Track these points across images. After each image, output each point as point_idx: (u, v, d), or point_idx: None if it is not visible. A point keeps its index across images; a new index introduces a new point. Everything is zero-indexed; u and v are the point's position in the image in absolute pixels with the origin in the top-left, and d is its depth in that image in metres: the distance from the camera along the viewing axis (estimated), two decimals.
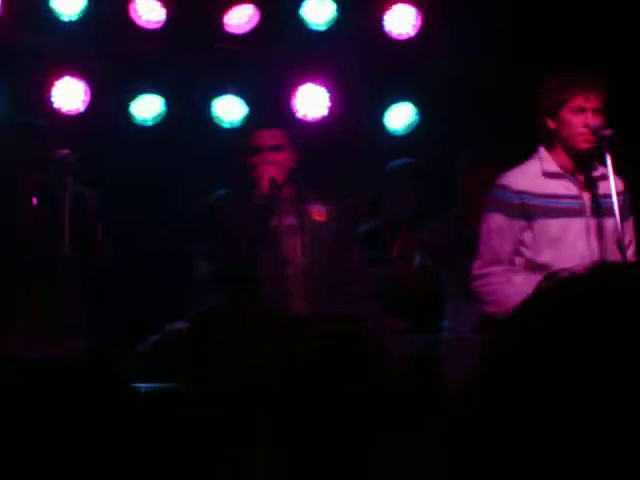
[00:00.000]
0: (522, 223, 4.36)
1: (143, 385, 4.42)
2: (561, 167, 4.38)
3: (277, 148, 4.87)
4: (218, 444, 4.30)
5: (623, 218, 4.33)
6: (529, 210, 4.36)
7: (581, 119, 4.30)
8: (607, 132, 4.28)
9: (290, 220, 4.84)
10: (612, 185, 4.28)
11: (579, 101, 4.30)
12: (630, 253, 4.38)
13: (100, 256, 4.96)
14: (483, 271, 4.38)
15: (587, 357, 1.12)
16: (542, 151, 4.42)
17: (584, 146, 4.32)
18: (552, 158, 4.39)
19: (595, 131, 4.29)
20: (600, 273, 1.19)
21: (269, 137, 4.93)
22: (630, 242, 4.42)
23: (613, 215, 4.27)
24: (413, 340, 5.11)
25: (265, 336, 4.54)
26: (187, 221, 5.53)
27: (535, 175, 4.40)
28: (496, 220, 4.39)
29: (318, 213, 4.87)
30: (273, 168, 4.81)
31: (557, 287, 1.19)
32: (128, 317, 5.45)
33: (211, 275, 5.00)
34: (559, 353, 1.13)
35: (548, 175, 4.38)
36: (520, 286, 4.25)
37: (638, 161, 4.44)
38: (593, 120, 4.28)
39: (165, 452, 2.04)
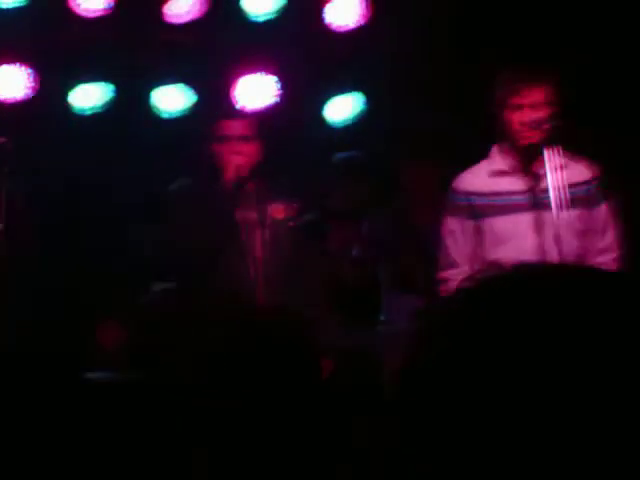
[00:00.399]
0: (473, 223, 4.39)
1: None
2: (510, 164, 4.40)
3: (245, 138, 4.82)
4: (160, 435, 4.29)
5: (592, 205, 4.36)
6: (477, 210, 4.39)
7: (518, 116, 4.33)
8: (546, 125, 4.30)
9: (250, 214, 4.81)
10: (549, 179, 4.31)
11: (515, 99, 4.33)
12: (607, 238, 4.40)
13: (27, 249, 4.94)
14: (441, 276, 4.43)
15: (492, 359, 1.14)
16: (493, 150, 4.46)
17: (523, 142, 4.34)
18: (502, 156, 4.42)
19: (535, 126, 4.31)
20: (516, 274, 1.21)
21: (237, 127, 4.88)
22: (604, 229, 4.42)
23: (573, 206, 4.30)
24: (351, 333, 5.11)
25: (209, 325, 4.54)
26: (134, 208, 5.50)
27: (484, 175, 4.44)
28: (449, 224, 4.44)
29: (277, 210, 4.85)
30: (240, 158, 4.77)
31: (472, 288, 1.22)
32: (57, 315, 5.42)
33: (159, 259, 4.99)
34: (467, 354, 1.15)
35: (495, 174, 4.42)
36: None
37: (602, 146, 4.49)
38: (530, 116, 4.30)
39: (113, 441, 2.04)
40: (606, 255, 4.37)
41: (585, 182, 4.39)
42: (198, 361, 2.66)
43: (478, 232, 4.38)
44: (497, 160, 4.41)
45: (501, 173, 4.40)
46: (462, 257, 4.39)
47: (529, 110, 4.30)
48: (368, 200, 5.62)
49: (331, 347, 4.71)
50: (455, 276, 4.37)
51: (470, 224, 4.39)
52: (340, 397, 4.77)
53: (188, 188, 4.90)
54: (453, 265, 4.40)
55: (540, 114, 4.30)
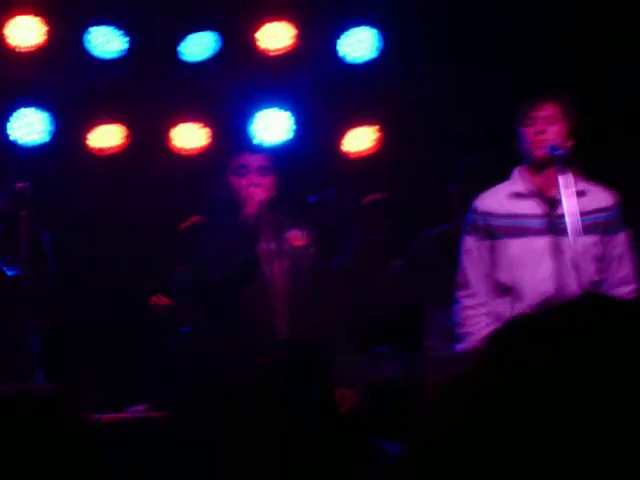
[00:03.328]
0: (489, 244, 4.41)
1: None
2: (528, 187, 4.42)
3: (264, 171, 4.87)
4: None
5: (610, 233, 4.37)
6: (493, 231, 4.40)
7: (532, 129, 4.38)
8: (560, 151, 4.32)
9: (269, 245, 4.84)
10: (564, 204, 4.31)
11: (530, 112, 4.39)
12: (624, 269, 4.41)
13: (51, 288, 5.03)
14: (456, 294, 4.46)
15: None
16: (515, 172, 4.48)
17: (538, 154, 4.37)
18: (521, 179, 4.45)
19: (551, 150, 4.34)
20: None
21: (256, 160, 4.93)
22: (621, 257, 4.43)
23: (591, 232, 4.32)
24: (397, 362, 5.13)
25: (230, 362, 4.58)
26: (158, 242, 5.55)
27: (502, 196, 4.45)
28: (467, 243, 4.46)
29: (297, 238, 4.88)
30: (260, 191, 4.81)
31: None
32: (84, 351, 5.47)
33: (191, 291, 5.05)
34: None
35: (514, 196, 4.43)
36: (483, 316, 4.34)
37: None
38: (544, 127, 4.34)
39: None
40: (625, 287, 4.38)
41: (605, 209, 4.39)
42: (217, 397, 2.69)
43: (493, 253, 4.40)
44: (517, 182, 4.44)
45: (519, 195, 4.41)
46: (477, 277, 4.41)
47: (543, 123, 4.34)
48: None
49: (354, 378, 4.73)
50: (463, 297, 4.41)
51: (487, 244, 4.41)
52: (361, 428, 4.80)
53: (209, 222, 4.94)
54: (464, 286, 4.42)
55: (554, 128, 4.34)
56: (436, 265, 5.12)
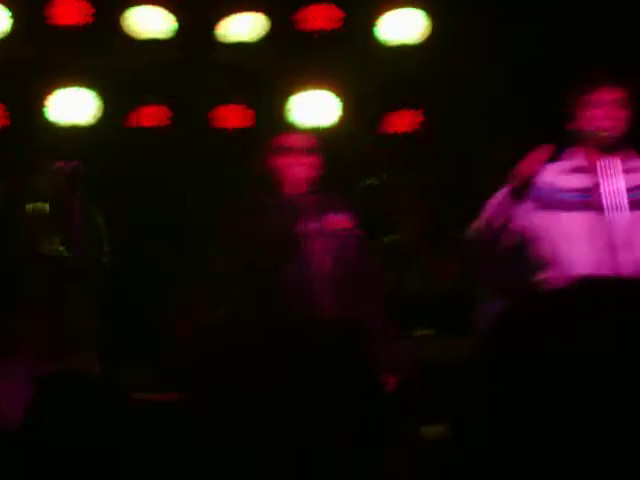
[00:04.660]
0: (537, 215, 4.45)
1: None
2: (578, 165, 4.45)
3: (310, 150, 4.83)
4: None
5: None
6: (544, 203, 4.44)
7: (596, 113, 4.40)
8: (621, 126, 4.37)
9: (314, 225, 4.81)
10: (610, 184, 4.34)
11: (595, 95, 4.40)
12: None
13: (106, 268, 5.03)
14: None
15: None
16: (567, 150, 4.51)
17: (600, 140, 4.40)
18: (572, 156, 4.47)
19: (613, 124, 4.38)
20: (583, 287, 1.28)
21: (302, 139, 4.89)
22: None
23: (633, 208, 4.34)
24: (451, 346, 5.17)
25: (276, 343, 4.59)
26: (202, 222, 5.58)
27: (555, 171, 4.48)
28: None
29: (338, 221, 4.86)
30: (303, 170, 4.78)
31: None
32: (136, 329, 5.51)
33: (230, 275, 5.03)
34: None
35: (564, 171, 4.47)
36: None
37: None
38: (608, 113, 4.37)
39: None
40: None
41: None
42: (263, 381, 2.71)
43: (539, 225, 4.45)
44: (567, 159, 4.49)
45: (571, 170, 4.46)
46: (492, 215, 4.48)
47: (608, 107, 4.36)
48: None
49: (396, 362, 4.74)
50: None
51: (535, 215, 4.46)
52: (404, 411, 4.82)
53: (250, 201, 4.91)
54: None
55: (617, 113, 4.36)
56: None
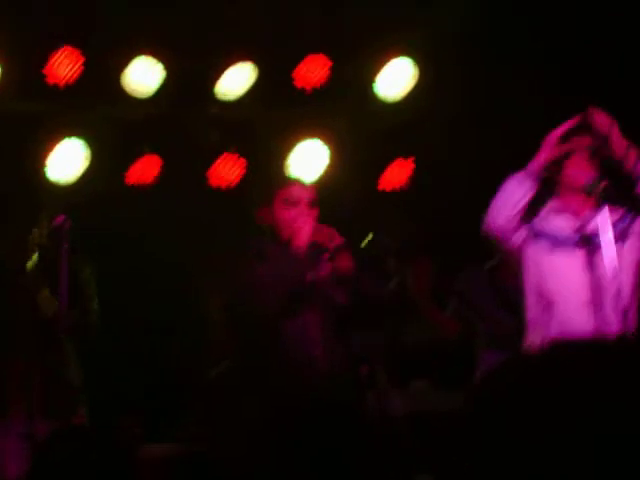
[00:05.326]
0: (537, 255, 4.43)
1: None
2: (565, 205, 4.46)
3: (312, 203, 4.81)
4: None
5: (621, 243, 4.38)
6: (538, 241, 4.44)
7: (574, 160, 4.42)
8: (600, 185, 4.35)
9: (317, 275, 4.77)
10: (602, 239, 4.34)
11: (570, 144, 4.43)
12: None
13: (91, 322, 5.05)
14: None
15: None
16: (556, 190, 4.53)
17: (579, 184, 4.41)
18: (558, 196, 4.48)
19: (591, 184, 4.37)
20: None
21: (306, 191, 4.86)
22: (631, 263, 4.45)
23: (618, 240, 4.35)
24: (446, 398, 5.12)
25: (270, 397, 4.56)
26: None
27: (545, 211, 4.49)
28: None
29: (345, 261, 4.82)
30: (311, 222, 4.75)
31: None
32: (122, 383, 5.47)
33: (226, 324, 5.00)
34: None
35: (551, 211, 4.48)
36: None
37: None
38: (585, 160, 4.39)
39: None
40: None
41: (615, 222, 4.42)
42: (257, 434, 2.69)
43: (539, 265, 4.44)
44: (555, 199, 4.51)
45: (554, 211, 4.48)
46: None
47: (585, 155, 4.39)
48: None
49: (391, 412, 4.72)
50: None
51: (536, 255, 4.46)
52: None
53: (256, 248, 4.83)
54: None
55: (597, 160, 4.38)
56: (488, 303, 5.12)
